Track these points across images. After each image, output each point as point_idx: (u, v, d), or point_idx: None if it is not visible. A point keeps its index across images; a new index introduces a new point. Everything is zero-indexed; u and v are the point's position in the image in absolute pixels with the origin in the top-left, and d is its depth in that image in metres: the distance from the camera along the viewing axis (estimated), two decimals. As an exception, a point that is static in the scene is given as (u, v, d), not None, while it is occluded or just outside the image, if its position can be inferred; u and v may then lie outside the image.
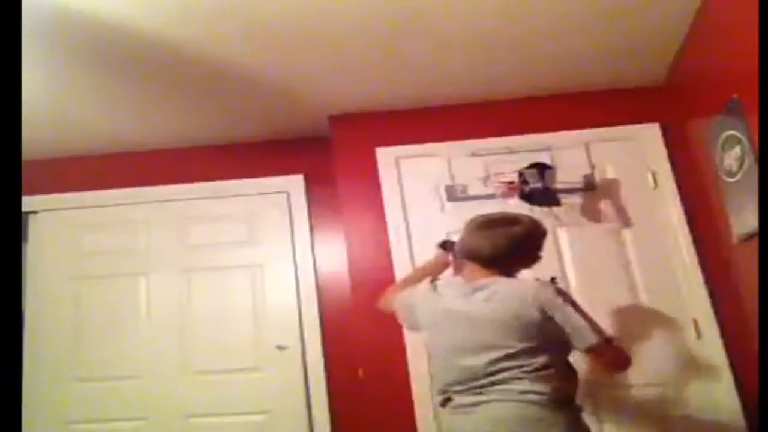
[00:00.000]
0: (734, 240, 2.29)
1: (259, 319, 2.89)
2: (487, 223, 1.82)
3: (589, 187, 2.66)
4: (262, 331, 2.87)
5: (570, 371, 1.73)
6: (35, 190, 2.92)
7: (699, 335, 2.48)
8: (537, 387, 1.61)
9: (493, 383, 1.65)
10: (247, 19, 2.17)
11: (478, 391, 1.67)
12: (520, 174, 2.54)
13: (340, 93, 2.72)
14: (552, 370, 1.64)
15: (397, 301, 2.02)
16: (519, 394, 1.61)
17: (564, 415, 1.63)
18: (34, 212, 3.02)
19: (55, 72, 2.38)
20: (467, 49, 2.47)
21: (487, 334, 1.69)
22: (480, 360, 1.67)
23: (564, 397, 1.66)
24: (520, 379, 1.62)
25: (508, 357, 1.64)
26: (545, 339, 1.66)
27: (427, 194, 2.71)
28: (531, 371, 1.63)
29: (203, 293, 2.93)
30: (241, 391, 2.80)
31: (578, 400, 1.73)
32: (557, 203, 2.53)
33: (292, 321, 2.88)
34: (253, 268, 2.97)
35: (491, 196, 2.59)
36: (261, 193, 3.07)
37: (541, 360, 1.64)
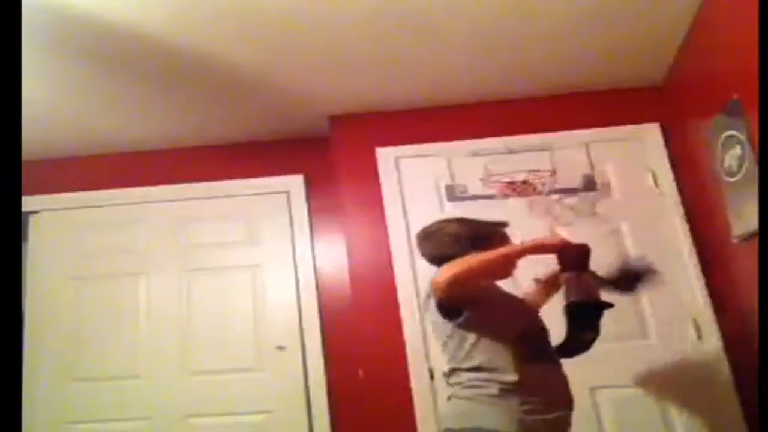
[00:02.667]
0: (734, 240, 2.28)
1: (259, 319, 2.89)
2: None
3: (589, 187, 2.66)
4: (262, 331, 2.86)
5: (502, 339, 1.63)
6: (35, 190, 2.93)
7: (699, 335, 2.48)
8: (473, 374, 1.61)
9: (451, 380, 1.69)
10: (247, 19, 2.17)
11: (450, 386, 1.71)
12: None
13: (340, 93, 2.72)
14: (479, 349, 1.62)
15: None
16: (462, 388, 1.63)
17: (499, 402, 1.56)
18: (35, 212, 3.02)
19: (55, 72, 2.38)
20: (467, 49, 2.47)
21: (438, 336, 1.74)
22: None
23: (500, 379, 1.58)
24: (461, 371, 1.64)
25: (446, 346, 1.68)
26: (460, 315, 1.63)
27: (427, 194, 2.71)
28: (466, 358, 1.63)
29: (203, 293, 2.93)
30: (241, 391, 2.80)
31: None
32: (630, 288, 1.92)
33: (292, 321, 2.88)
34: (253, 268, 2.97)
35: (491, 196, 2.60)
36: (261, 193, 3.07)
37: (469, 342, 1.63)
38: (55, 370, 2.82)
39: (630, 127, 2.76)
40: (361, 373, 2.55)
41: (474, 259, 1.59)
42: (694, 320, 2.49)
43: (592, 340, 1.67)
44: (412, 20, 2.26)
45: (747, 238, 2.17)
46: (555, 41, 2.45)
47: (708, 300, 2.51)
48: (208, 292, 2.93)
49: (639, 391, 2.43)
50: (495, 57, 2.53)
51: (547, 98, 2.82)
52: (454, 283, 1.57)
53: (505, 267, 1.72)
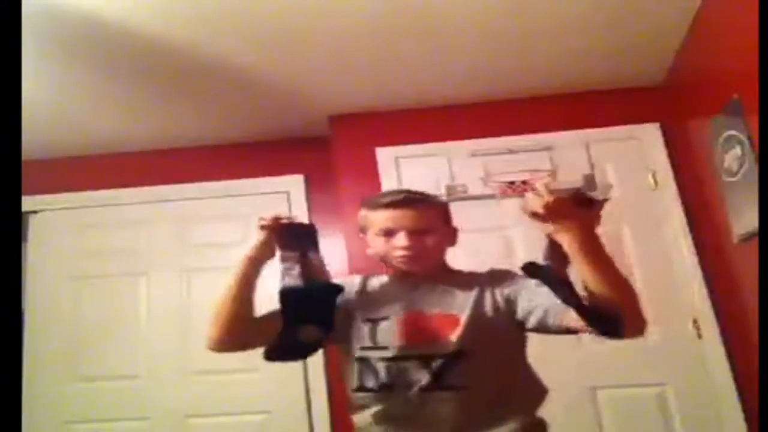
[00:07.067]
0: (734, 240, 2.28)
1: (259, 319, 2.88)
2: None
3: (589, 187, 2.66)
4: (262, 331, 2.86)
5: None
6: (35, 190, 2.91)
7: (699, 335, 2.48)
8: None
9: None
10: (247, 19, 2.17)
11: None
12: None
13: (340, 93, 2.72)
14: None
15: None
16: None
17: None
18: (34, 212, 3.01)
19: (55, 72, 2.38)
20: (467, 49, 2.47)
21: None
22: None
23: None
24: None
25: None
26: None
27: (427, 194, 2.71)
28: None
29: (203, 293, 2.92)
30: (241, 391, 2.80)
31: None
32: None
33: (292, 321, 2.88)
34: (253, 268, 2.97)
35: (491, 196, 2.60)
36: (261, 193, 3.06)
37: None
38: (55, 370, 2.82)
39: (630, 127, 2.76)
40: (361, 373, 2.55)
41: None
42: (694, 320, 2.49)
43: (317, 341, 1.28)
44: (413, 20, 2.25)
45: (747, 238, 2.17)
46: (555, 41, 2.45)
47: (708, 300, 2.51)
48: (208, 292, 2.90)
49: (639, 391, 2.43)
50: (495, 57, 2.53)
51: (547, 98, 2.82)
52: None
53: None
